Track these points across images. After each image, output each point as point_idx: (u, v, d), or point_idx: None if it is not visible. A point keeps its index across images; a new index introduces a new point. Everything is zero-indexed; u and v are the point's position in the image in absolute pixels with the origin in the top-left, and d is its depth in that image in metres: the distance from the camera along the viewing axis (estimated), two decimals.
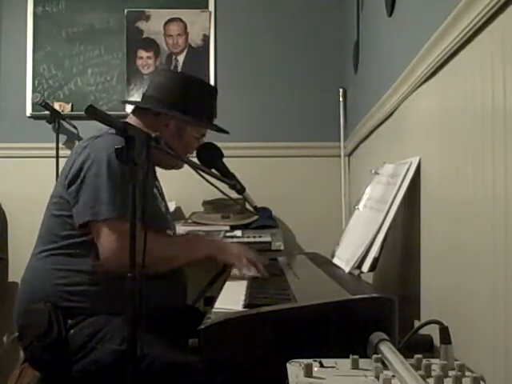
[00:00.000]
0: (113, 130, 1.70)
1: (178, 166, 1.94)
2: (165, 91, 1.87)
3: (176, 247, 1.79)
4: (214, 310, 1.29)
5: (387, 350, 0.93)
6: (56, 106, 3.11)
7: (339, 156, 3.07)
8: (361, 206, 1.84)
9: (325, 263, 1.83)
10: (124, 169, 1.57)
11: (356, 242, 1.62)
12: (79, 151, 1.71)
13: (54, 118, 3.03)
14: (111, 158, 1.61)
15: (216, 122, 3.08)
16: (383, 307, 1.15)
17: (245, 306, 1.29)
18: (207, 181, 1.61)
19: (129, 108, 2.75)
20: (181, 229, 2.66)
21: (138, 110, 1.90)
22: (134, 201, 1.15)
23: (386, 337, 0.98)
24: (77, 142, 3.10)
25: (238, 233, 2.68)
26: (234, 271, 1.82)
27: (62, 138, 3.12)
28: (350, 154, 3.03)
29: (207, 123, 1.94)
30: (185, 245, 1.83)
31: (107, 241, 1.59)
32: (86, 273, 1.63)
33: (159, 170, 1.95)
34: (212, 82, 3.14)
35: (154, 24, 3.18)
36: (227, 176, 1.85)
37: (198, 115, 1.88)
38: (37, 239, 1.75)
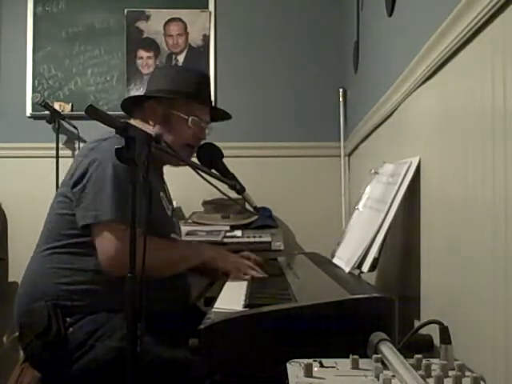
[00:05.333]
0: None
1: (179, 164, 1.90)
2: (151, 83, 1.91)
3: (177, 252, 1.79)
4: (213, 309, 1.29)
5: (387, 350, 0.93)
6: (56, 106, 3.11)
7: (339, 156, 3.07)
8: (360, 205, 1.83)
9: (325, 263, 1.83)
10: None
11: (356, 242, 1.62)
12: (86, 153, 1.71)
13: (54, 118, 3.03)
14: (117, 161, 1.60)
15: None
16: (383, 307, 1.15)
17: (245, 306, 1.29)
18: (207, 181, 1.60)
19: None
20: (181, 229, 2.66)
21: (133, 110, 1.89)
22: (135, 203, 1.15)
23: (386, 337, 0.97)
24: (77, 142, 3.11)
25: (238, 233, 2.67)
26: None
27: (62, 137, 3.12)
28: (349, 154, 3.03)
29: (193, 101, 1.84)
30: (185, 249, 1.83)
31: (106, 245, 1.59)
32: (89, 272, 1.63)
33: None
34: (212, 82, 3.14)
35: (154, 24, 3.18)
36: (227, 176, 1.85)
37: (184, 95, 1.83)
38: (40, 237, 1.75)
